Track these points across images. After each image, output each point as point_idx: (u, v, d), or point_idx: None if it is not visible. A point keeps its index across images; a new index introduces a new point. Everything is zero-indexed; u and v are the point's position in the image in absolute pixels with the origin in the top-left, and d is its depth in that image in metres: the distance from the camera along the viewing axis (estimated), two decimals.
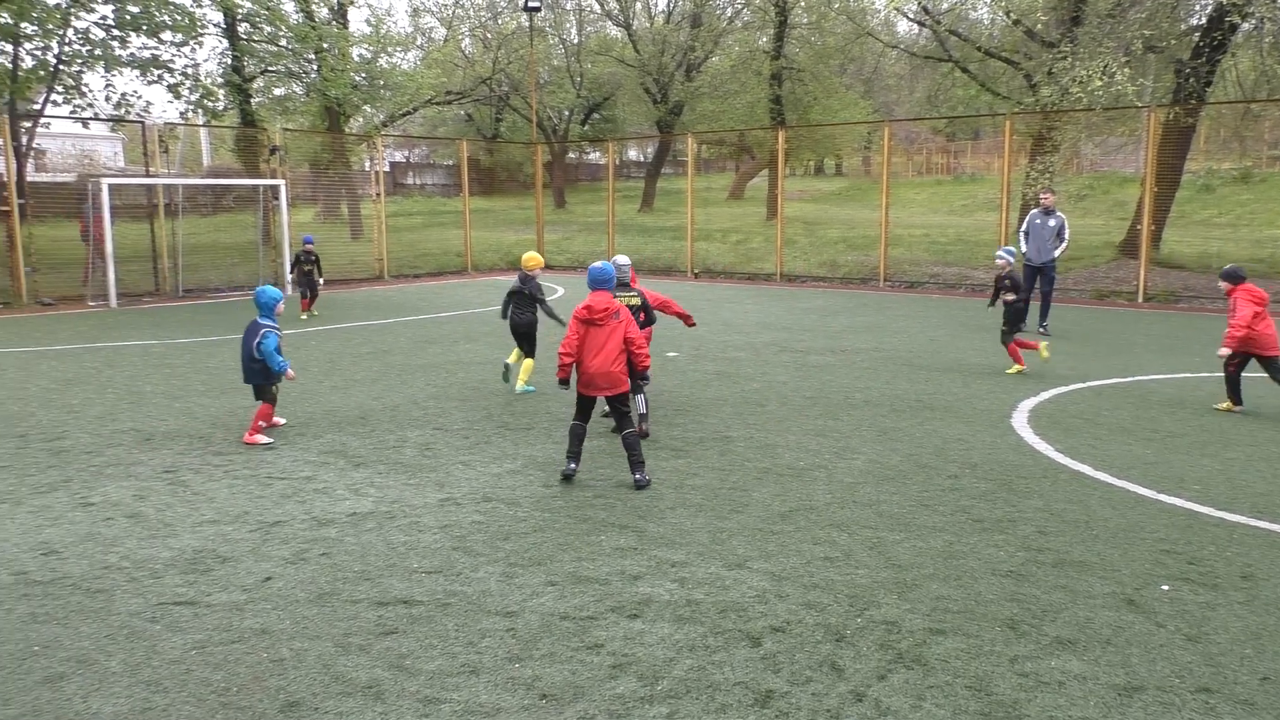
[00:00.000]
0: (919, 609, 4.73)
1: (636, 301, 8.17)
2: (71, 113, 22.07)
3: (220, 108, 25.84)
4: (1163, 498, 6.46)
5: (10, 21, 19.30)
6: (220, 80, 26.45)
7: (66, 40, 20.82)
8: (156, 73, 22.19)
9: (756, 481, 6.86)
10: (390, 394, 9.89)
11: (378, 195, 24.03)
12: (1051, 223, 14.11)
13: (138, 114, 22.55)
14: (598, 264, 6.99)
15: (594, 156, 61.57)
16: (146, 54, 22.00)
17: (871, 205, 31.81)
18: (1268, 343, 8.73)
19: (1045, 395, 9.72)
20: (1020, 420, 8.66)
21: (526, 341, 9.97)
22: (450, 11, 44.53)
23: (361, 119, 32.73)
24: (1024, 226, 14.65)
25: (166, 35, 21.79)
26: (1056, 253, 14.11)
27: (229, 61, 26.24)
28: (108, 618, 4.67)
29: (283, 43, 26.16)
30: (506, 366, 10.22)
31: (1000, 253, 11.19)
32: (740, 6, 41.60)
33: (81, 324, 15.47)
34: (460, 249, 25.91)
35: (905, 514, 6.15)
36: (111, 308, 17.63)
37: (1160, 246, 20.56)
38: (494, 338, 13.44)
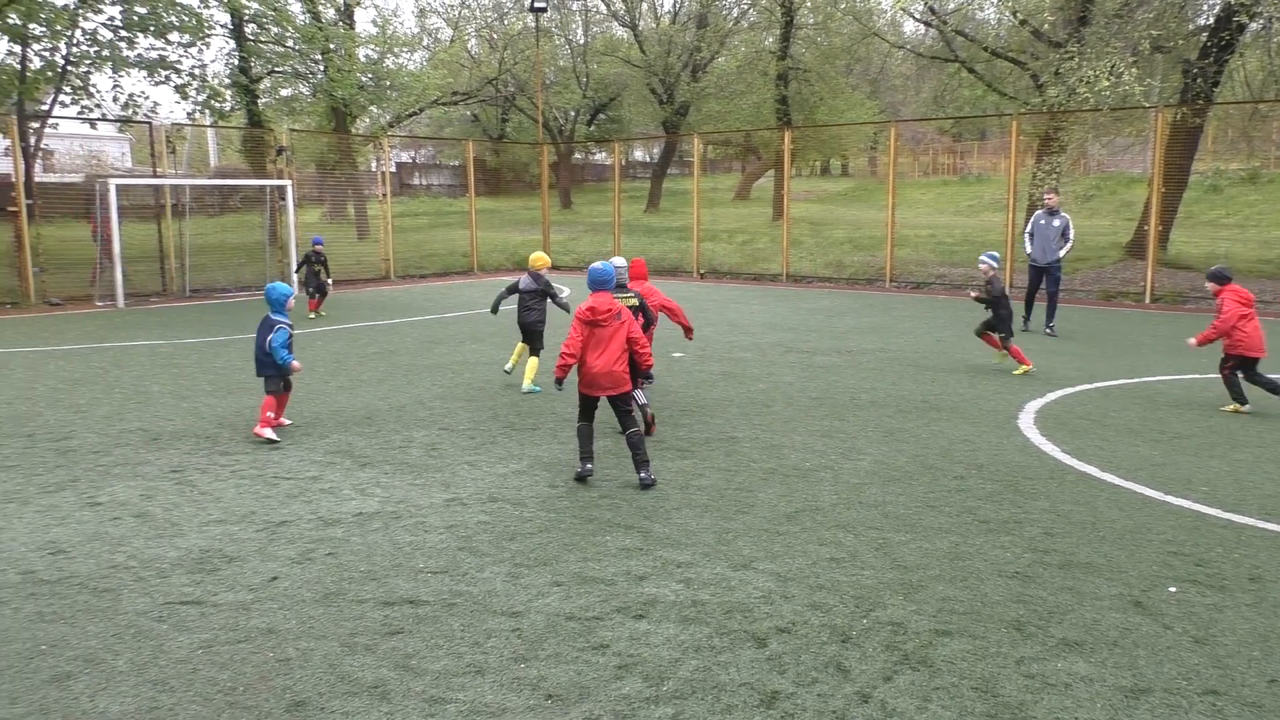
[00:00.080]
0: (925, 610, 4.72)
1: (634, 302, 8.24)
2: (79, 113, 22.12)
3: (227, 108, 25.86)
4: (1170, 499, 6.44)
5: (18, 22, 19.36)
6: (227, 81, 26.51)
7: (74, 41, 20.88)
8: (164, 73, 22.23)
9: (762, 482, 6.86)
10: (396, 394, 9.90)
11: (384, 196, 24.08)
12: (1056, 223, 14.10)
13: (145, 115, 22.59)
14: (598, 265, 7.02)
15: (600, 157, 61.59)
16: (154, 55, 22.06)
17: (877, 206, 31.76)
18: (1253, 344, 8.81)
19: (1052, 396, 9.70)
20: (1027, 421, 8.64)
21: (536, 339, 10.07)
22: (456, 12, 44.58)
23: (368, 119, 32.79)
24: (1028, 227, 14.67)
25: (174, 36, 21.83)
26: (1061, 253, 14.10)
27: (236, 62, 26.31)
28: (115, 617, 4.69)
29: (289, 43, 26.19)
30: (508, 373, 10.39)
31: (984, 258, 11.24)
32: (746, 7, 41.59)
33: (89, 324, 15.51)
34: (466, 249, 25.93)
35: (911, 515, 6.14)
36: (119, 308, 17.68)
37: (1167, 247, 20.51)
38: (500, 338, 13.44)
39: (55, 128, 28.72)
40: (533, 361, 10.05)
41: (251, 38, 26.32)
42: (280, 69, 27.79)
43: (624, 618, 4.65)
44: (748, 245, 28.26)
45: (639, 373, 7.05)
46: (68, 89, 21.65)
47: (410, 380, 10.64)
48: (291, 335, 8.20)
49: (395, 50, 30.81)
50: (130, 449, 7.80)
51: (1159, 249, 18.74)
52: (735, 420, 8.72)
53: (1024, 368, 10.83)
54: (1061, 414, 8.93)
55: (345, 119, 29.64)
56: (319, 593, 4.96)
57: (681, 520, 6.05)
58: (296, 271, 16.80)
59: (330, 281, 16.47)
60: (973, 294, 11.25)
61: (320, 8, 27.61)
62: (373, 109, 31.29)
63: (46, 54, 20.94)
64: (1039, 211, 14.68)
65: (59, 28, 19.95)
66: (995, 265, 11.06)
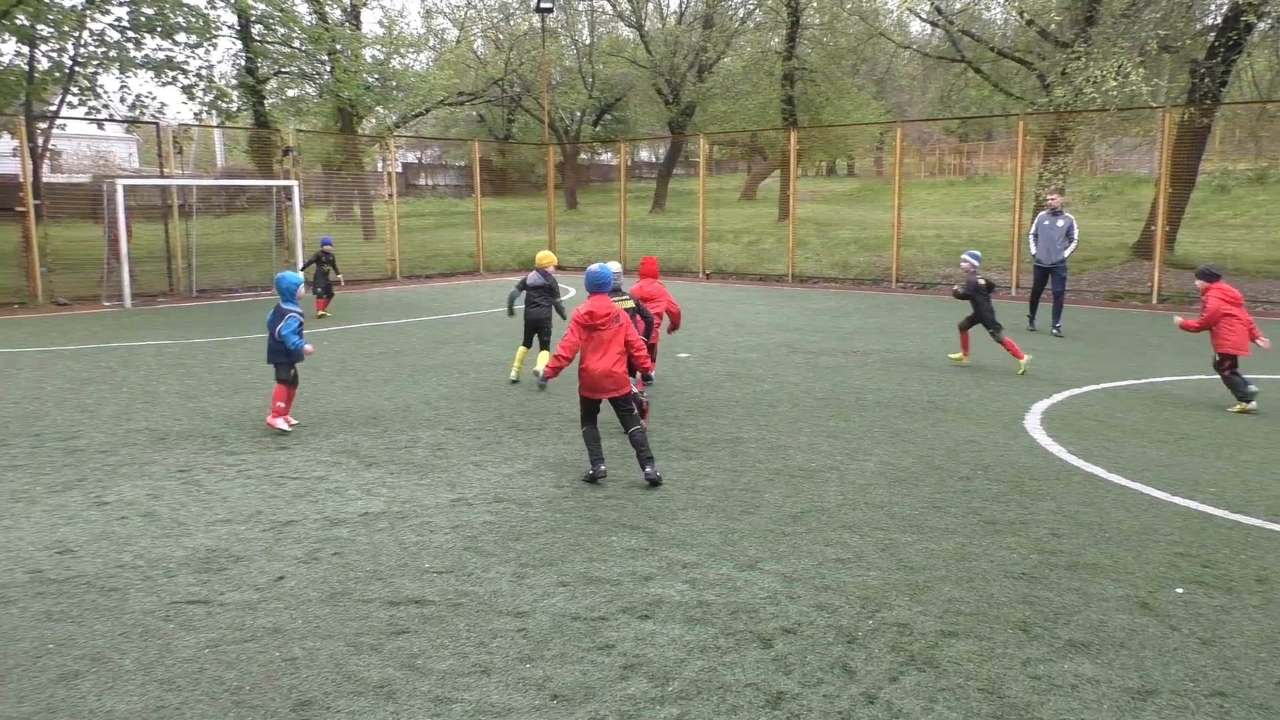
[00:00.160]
0: (931, 611, 4.72)
1: (630, 304, 8.40)
2: (86, 114, 22.21)
3: (234, 109, 25.93)
4: (1177, 500, 6.43)
5: (26, 23, 19.43)
6: (234, 82, 26.56)
7: (82, 42, 20.96)
8: (171, 74, 22.30)
9: (768, 483, 6.85)
10: (402, 394, 9.92)
11: (390, 196, 24.10)
12: (1060, 223, 14.10)
13: (152, 115, 22.65)
14: (595, 268, 7.05)
15: (606, 157, 61.60)
16: (161, 55, 22.13)
17: (884, 206, 31.74)
18: (1235, 343, 8.98)
19: (1058, 397, 9.68)
20: (1033, 422, 8.62)
21: (544, 334, 10.37)
22: (463, 13, 44.65)
23: (374, 120, 32.82)
24: (1033, 228, 14.68)
25: (181, 37, 21.91)
26: (1066, 253, 14.10)
27: (243, 63, 26.36)
28: (121, 616, 4.70)
29: (296, 44, 26.25)
30: (515, 383, 10.43)
31: (965, 256, 11.42)
32: (752, 7, 41.55)
33: (96, 324, 15.56)
34: (472, 250, 25.95)
35: (917, 516, 6.13)
36: (126, 308, 17.73)
37: (1175, 248, 20.45)
38: (506, 338, 13.45)
39: (63, 128, 28.86)
40: (543, 355, 10.24)
41: (258, 38, 26.37)
42: (287, 70, 27.84)
43: (629, 618, 4.65)
44: (753, 246, 28.24)
45: (645, 378, 7.09)
46: (75, 90, 21.73)
47: (416, 380, 10.65)
48: (302, 323, 8.40)
49: (401, 51, 30.83)
50: (137, 449, 7.82)
51: (1166, 249, 18.69)
52: (741, 421, 8.72)
53: (1023, 364, 10.84)
54: (1068, 415, 8.91)
55: (351, 119, 29.69)
56: (325, 592, 4.97)
57: (687, 521, 6.05)
58: (303, 270, 16.85)
59: (341, 279, 16.67)
60: (955, 290, 11.49)
61: (326, 8, 27.64)
62: (379, 109, 31.32)
63: (54, 55, 21.03)
64: (1043, 212, 14.68)
65: (66, 28, 20.02)
66: (976, 264, 11.21)
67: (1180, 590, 4.97)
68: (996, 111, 29.48)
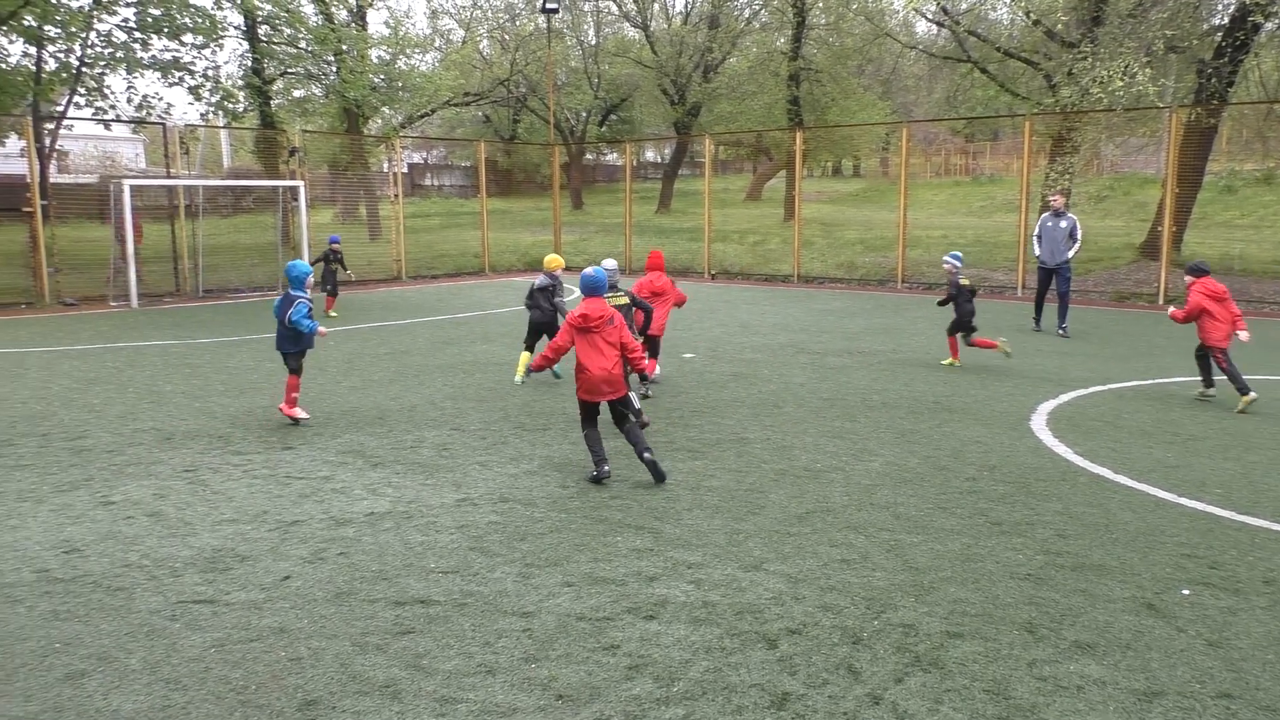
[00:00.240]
0: (936, 612, 4.71)
1: (624, 301, 8.61)
2: (94, 115, 22.27)
3: (240, 110, 26.00)
4: (1184, 501, 6.41)
5: (34, 24, 19.49)
6: (240, 82, 26.61)
7: (89, 43, 21.01)
8: (177, 75, 22.35)
9: (773, 483, 6.85)
10: (408, 394, 9.93)
11: (396, 196, 24.13)
12: (1063, 224, 14.11)
13: (159, 116, 22.71)
14: (589, 271, 7.11)
15: (611, 158, 61.63)
16: (168, 56, 22.18)
17: (889, 206, 31.71)
18: (1215, 336, 9.26)
19: (1065, 398, 9.66)
20: (1039, 423, 8.61)
21: (551, 337, 10.33)
22: (468, 13, 44.69)
23: (380, 120, 32.87)
24: (1036, 230, 14.69)
25: (188, 38, 21.95)
26: (1070, 254, 14.09)
27: (249, 64, 26.40)
28: (128, 615, 4.71)
29: (302, 45, 26.29)
30: (520, 383, 10.45)
31: (947, 258, 11.55)
32: (758, 8, 41.54)
33: (103, 324, 15.60)
34: (478, 250, 25.97)
35: (923, 516, 6.12)
36: (133, 308, 17.77)
37: (1181, 248, 20.39)
38: (510, 338, 13.46)
39: (70, 129, 28.95)
40: (524, 356, 10.44)
41: (264, 39, 26.42)
42: (293, 70, 27.90)
43: (635, 618, 4.65)
44: (759, 246, 28.23)
45: (641, 378, 7.13)
46: (82, 90, 21.78)
47: (422, 380, 10.66)
48: (310, 308, 8.56)
49: (407, 51, 30.90)
50: (143, 448, 7.84)
51: (1173, 250, 18.63)
52: (746, 421, 8.71)
53: (1000, 344, 11.11)
54: (1074, 415, 8.90)
55: (357, 120, 29.74)
56: (330, 592, 4.98)
57: (692, 521, 6.04)
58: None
59: (350, 274, 16.83)
60: (939, 302, 11.64)
61: (333, 9, 27.69)
62: (385, 110, 31.39)
63: (61, 55, 21.09)
64: (1045, 214, 14.68)
65: (74, 29, 20.08)
66: (958, 265, 11.37)
67: (1187, 591, 4.96)
68: (1003, 112, 29.44)
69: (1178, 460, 7.39)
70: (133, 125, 30.66)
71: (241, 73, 26.86)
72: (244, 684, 4.06)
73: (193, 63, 22.69)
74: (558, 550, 5.55)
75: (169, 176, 21.17)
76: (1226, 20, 21.02)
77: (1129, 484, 6.79)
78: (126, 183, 18.29)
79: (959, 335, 11.33)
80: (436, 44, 43.86)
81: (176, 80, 22.43)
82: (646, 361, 7.21)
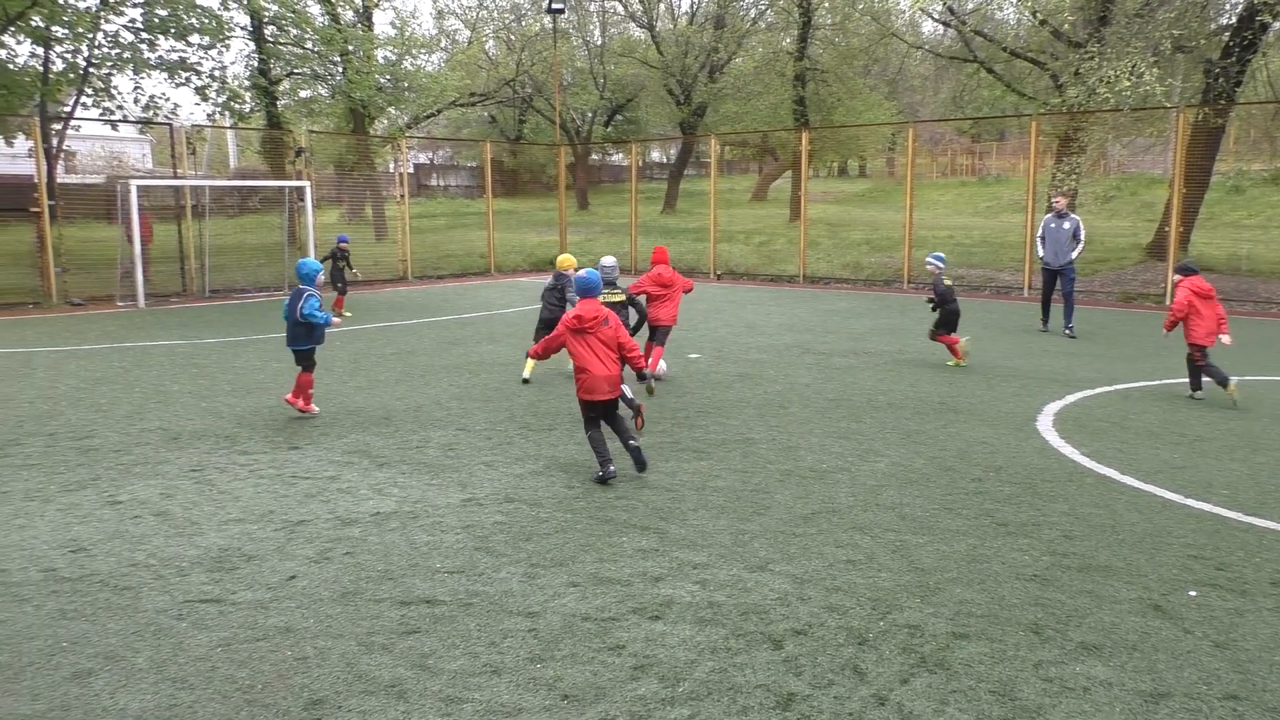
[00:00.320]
0: (942, 613, 4.70)
1: (620, 298, 8.66)
2: (101, 115, 22.34)
3: (247, 110, 26.06)
4: (1190, 502, 6.39)
5: (41, 25, 19.56)
6: (247, 83, 26.69)
7: (96, 43, 21.08)
8: (184, 75, 22.43)
9: (779, 484, 6.84)
10: (414, 394, 9.94)
11: (402, 197, 24.17)
12: (1066, 225, 14.12)
13: (166, 116, 22.78)
14: (583, 273, 7.21)
15: (617, 158, 61.66)
16: (175, 57, 22.26)
17: (895, 207, 31.65)
18: (1199, 334, 9.46)
19: (1071, 398, 9.64)
20: (1045, 423, 8.59)
21: None
22: (474, 14, 44.76)
23: (386, 121, 32.92)
24: (1040, 231, 14.69)
25: (194, 38, 22.02)
26: (1073, 254, 14.09)
27: (255, 64, 26.48)
28: (135, 614, 4.72)
29: (308, 45, 26.35)
30: (526, 382, 10.49)
31: (930, 258, 11.74)
32: (764, 8, 41.52)
33: (110, 324, 15.64)
34: (484, 250, 25.99)
35: (928, 517, 6.11)
36: (139, 308, 17.81)
37: (1189, 249, 20.34)
38: (516, 339, 13.48)
39: (77, 129, 29.00)
40: (529, 363, 10.45)
41: (271, 39, 26.49)
42: (299, 71, 27.96)
43: (640, 619, 4.65)
44: (765, 246, 28.21)
45: (640, 375, 7.20)
46: (89, 91, 21.86)
47: (427, 381, 10.68)
48: (320, 302, 8.80)
49: (413, 52, 30.94)
50: (150, 448, 7.86)
51: (1180, 250, 18.59)
52: (752, 421, 8.71)
53: (961, 345, 11.40)
54: (1081, 416, 8.88)
55: (363, 120, 29.79)
56: (336, 592, 4.99)
57: (698, 521, 6.04)
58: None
59: (358, 274, 16.88)
60: (928, 300, 11.81)
61: (339, 9, 27.75)
62: (391, 110, 31.43)
63: (69, 56, 21.16)
64: (1048, 215, 14.67)
65: (81, 30, 20.14)
66: (941, 265, 11.56)
67: (1194, 593, 4.95)
68: (1009, 112, 29.40)
69: (1184, 461, 7.38)
70: (139, 126, 30.74)
71: (248, 73, 26.94)
72: (250, 683, 4.07)
73: (199, 63, 22.78)
74: (563, 550, 5.55)
75: (176, 177, 21.23)
76: (1234, 20, 20.96)
77: (1135, 485, 6.78)
78: (133, 183, 18.34)
79: (931, 329, 11.65)
80: (442, 44, 43.93)
81: (183, 81, 22.50)
82: (646, 360, 7.29)
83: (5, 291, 18.22)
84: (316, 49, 26.24)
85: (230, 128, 30.76)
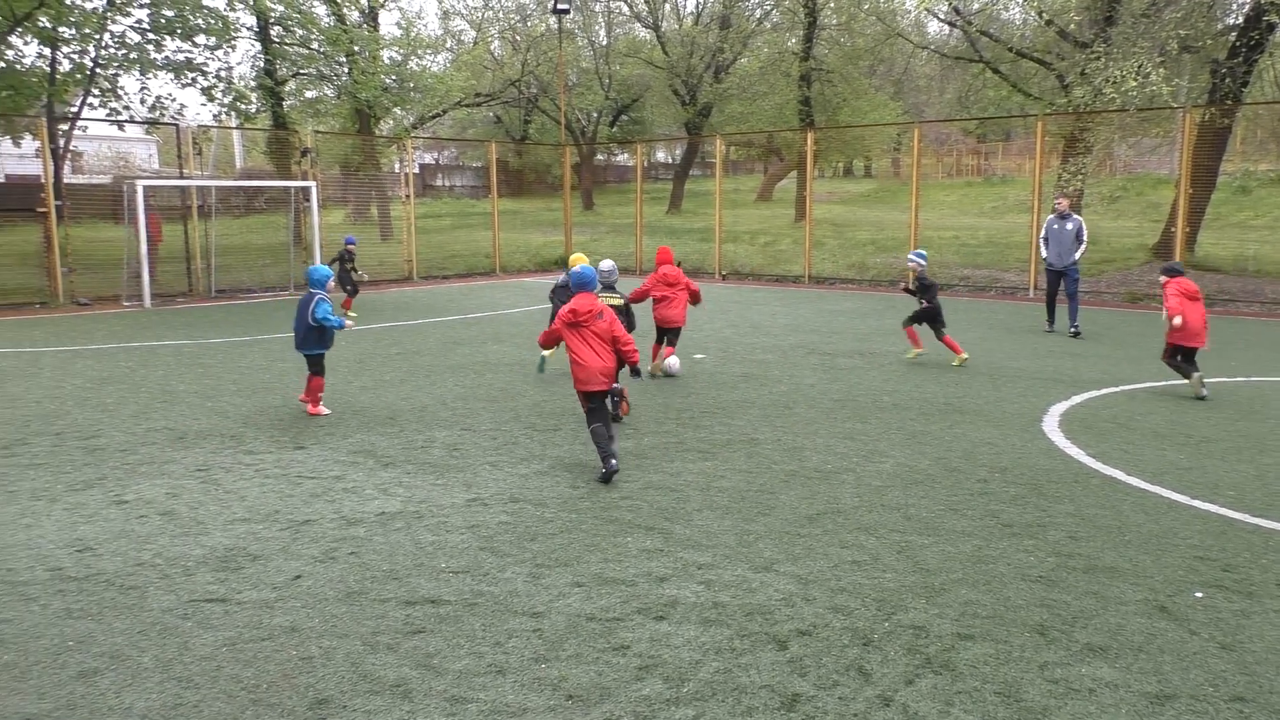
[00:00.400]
0: (947, 614, 4.70)
1: (619, 302, 8.85)
2: (107, 115, 22.39)
3: (253, 110, 26.12)
4: (1196, 503, 6.38)
5: (48, 25, 19.62)
6: (253, 83, 26.74)
7: (103, 44, 21.13)
8: (190, 76, 22.48)
9: (784, 484, 6.84)
10: (419, 394, 9.95)
11: (407, 197, 24.20)
12: (1069, 226, 14.12)
13: (172, 116, 22.84)
14: (578, 268, 7.42)
15: (622, 158, 61.67)
16: (181, 57, 22.31)
17: (901, 207, 31.62)
18: (1188, 334, 9.60)
19: (1077, 399, 9.62)
20: (1051, 424, 8.58)
21: None
22: (480, 14, 44.81)
23: (391, 121, 32.96)
24: (1043, 233, 14.68)
25: (201, 39, 22.08)
26: (1077, 255, 14.09)
27: (261, 65, 26.52)
28: (141, 614, 4.73)
29: (314, 46, 26.41)
30: (543, 359, 10.85)
31: (911, 256, 11.90)
32: (769, 8, 41.51)
33: (116, 324, 15.68)
34: (489, 250, 26.01)
35: (934, 518, 6.10)
36: (146, 308, 17.86)
37: (1195, 249, 20.31)
38: (522, 339, 13.49)
39: (84, 130, 29.12)
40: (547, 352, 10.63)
41: (277, 40, 26.54)
42: (305, 71, 28.02)
43: (645, 619, 4.65)
44: (770, 247, 28.21)
45: (633, 371, 7.28)
46: (96, 91, 21.92)
47: (433, 381, 10.69)
48: (331, 307, 8.97)
49: (419, 52, 31.00)
50: (156, 448, 7.88)
51: (1186, 251, 18.55)
52: (757, 422, 8.70)
53: (914, 351, 11.74)
54: (1086, 417, 8.86)
55: (369, 121, 29.83)
56: (341, 591, 4.99)
57: (702, 522, 6.04)
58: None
59: (364, 275, 16.91)
60: (902, 286, 12.04)
61: (344, 10, 27.79)
62: (396, 111, 31.48)
63: (75, 56, 21.21)
64: (1051, 216, 14.66)
65: (88, 31, 20.20)
66: (923, 263, 11.75)
67: (1200, 594, 4.93)
68: (1015, 112, 29.35)
69: (1191, 462, 7.36)
70: (146, 126, 30.81)
71: (254, 74, 26.99)
72: (255, 683, 4.07)
73: (206, 64, 22.83)
74: (568, 550, 5.55)
75: (182, 177, 21.27)
76: (1241, 20, 20.92)
77: (1142, 486, 6.76)
78: (140, 183, 18.38)
79: (905, 320, 11.89)
80: (448, 45, 44.01)
81: (190, 81, 22.56)
82: (638, 355, 7.44)
83: (12, 291, 18.28)
84: (322, 49, 26.30)
85: (236, 128, 30.83)
